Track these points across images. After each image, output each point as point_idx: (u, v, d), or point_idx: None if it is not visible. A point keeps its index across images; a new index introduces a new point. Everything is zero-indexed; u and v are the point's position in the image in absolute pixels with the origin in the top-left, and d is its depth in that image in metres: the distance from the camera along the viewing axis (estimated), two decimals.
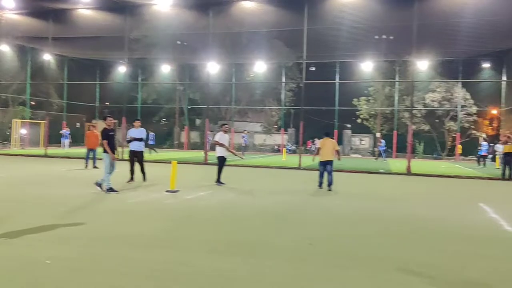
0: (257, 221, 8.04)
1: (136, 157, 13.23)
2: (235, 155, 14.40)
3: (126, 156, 14.32)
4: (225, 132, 13.50)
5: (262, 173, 18.83)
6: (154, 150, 28.08)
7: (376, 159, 31.01)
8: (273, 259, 5.48)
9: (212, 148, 16.88)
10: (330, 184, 12.89)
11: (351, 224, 7.97)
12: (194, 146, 40.52)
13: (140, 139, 13.30)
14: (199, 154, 27.90)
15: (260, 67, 38.62)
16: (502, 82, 36.67)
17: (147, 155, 24.60)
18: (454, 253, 6.08)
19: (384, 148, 32.29)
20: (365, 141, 40.25)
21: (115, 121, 16.79)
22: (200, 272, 4.86)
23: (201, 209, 9.08)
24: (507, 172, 17.72)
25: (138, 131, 13.38)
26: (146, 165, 13.55)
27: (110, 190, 10.87)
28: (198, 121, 44.11)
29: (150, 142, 27.79)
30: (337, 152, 13.25)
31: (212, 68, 32.49)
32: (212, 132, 31.97)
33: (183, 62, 39.40)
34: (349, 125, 41.54)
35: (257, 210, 9.16)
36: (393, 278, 4.84)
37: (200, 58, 33.52)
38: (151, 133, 27.91)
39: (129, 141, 13.27)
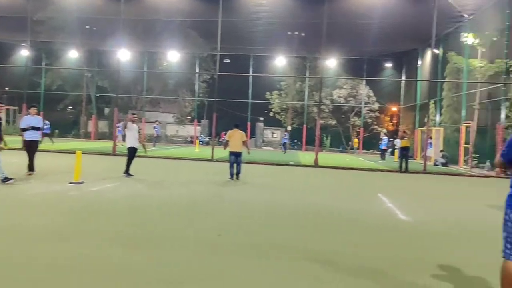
0: (165, 213, 7.93)
1: (31, 147, 12.21)
2: (144, 147, 14.06)
3: (18, 145, 13.26)
4: (133, 121, 13.16)
5: (174, 164, 18.58)
6: (51, 140, 26.34)
7: (285, 152, 31.89)
8: (180, 250, 5.45)
9: (123, 138, 16.29)
10: (237, 173, 13.31)
11: (259, 215, 8.14)
12: (102, 136, 38.86)
13: (37, 128, 12.34)
14: (107, 145, 26.80)
15: (173, 57, 37.95)
16: (402, 81, 39.45)
17: (48, 145, 23.19)
18: (354, 240, 6.45)
19: (287, 141, 33.31)
20: (277, 134, 41.26)
21: (7, 107, 15.52)
22: (104, 266, 4.70)
23: (106, 201, 8.76)
24: (403, 165, 19.13)
25: (34, 119, 12.29)
26: (48, 155, 12.75)
27: (5, 180, 10.09)
28: (106, 110, 42.34)
29: (45, 131, 25.99)
30: (245, 143, 13.54)
31: (123, 55, 31.28)
32: (122, 122, 30.87)
33: (92, 48, 37.57)
34: (261, 118, 42.32)
35: (166, 201, 9.03)
36: (297, 266, 5.02)
37: (110, 44, 32.18)
38: (46, 121, 26.02)
39: (24, 130, 12.15)
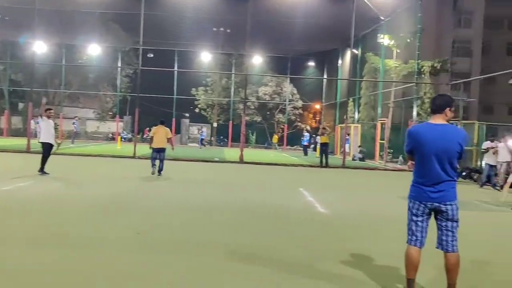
0: (83, 212, 7.63)
1: None
2: (58, 143, 13.38)
3: None
4: (49, 117, 12.50)
5: (93, 162, 17.88)
6: None
7: (200, 148, 31.60)
8: (98, 250, 5.27)
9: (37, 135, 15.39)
10: (160, 170, 13.17)
11: (182, 211, 8.08)
12: (16, 133, 36.43)
13: None
14: (21, 142, 25.19)
15: (94, 50, 36.41)
16: (323, 79, 40.83)
17: None
18: (274, 234, 6.60)
19: (204, 137, 33.30)
20: (203, 131, 41.03)
21: None
22: (18, 268, 4.44)
23: (19, 201, 8.25)
24: (324, 160, 19.83)
25: None
26: None
27: None
28: (21, 105, 39.76)
29: None
30: (170, 140, 13.45)
31: (39, 47, 29.55)
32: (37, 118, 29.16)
33: (4, 39, 35.05)
34: (187, 114, 41.88)
35: (84, 200, 8.68)
36: (219, 261, 5.05)
37: (24, 36, 30.23)
38: None
39: None
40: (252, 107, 39.80)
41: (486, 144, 14.91)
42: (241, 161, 20.37)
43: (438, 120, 4.05)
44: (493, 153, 14.23)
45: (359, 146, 26.98)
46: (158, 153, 13.14)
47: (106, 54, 37.15)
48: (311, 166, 20.52)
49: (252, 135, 39.84)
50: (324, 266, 5.03)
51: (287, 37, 31.04)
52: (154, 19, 25.60)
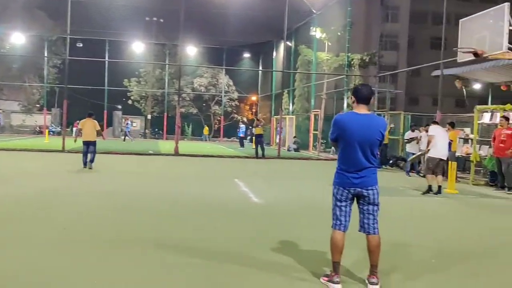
0: (5, 209, 7.23)
1: None
2: None
3: None
4: None
5: (19, 157, 16.95)
6: None
7: (125, 140, 30.83)
8: (23, 248, 5.03)
9: None
10: (91, 161, 13.02)
11: (112, 205, 7.87)
12: None
13: None
14: None
15: (18, 39, 34.33)
16: (259, 71, 41.15)
17: None
18: (208, 225, 6.62)
19: (130, 129, 32.59)
20: (136, 123, 40.05)
21: None
22: None
23: None
24: (259, 151, 20.05)
25: None
26: None
27: None
28: None
29: None
30: (99, 132, 13.31)
31: None
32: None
33: None
34: (119, 106, 40.64)
35: (6, 197, 8.22)
36: (148, 255, 4.98)
37: None
38: None
39: None
40: (188, 99, 39.36)
41: (408, 134, 15.74)
42: (176, 153, 20.13)
43: (362, 110, 4.21)
44: (417, 143, 15.04)
45: (294, 137, 27.55)
46: (88, 146, 13.04)
47: (32, 43, 35.16)
48: (247, 157, 20.69)
49: (188, 127, 39.44)
50: (254, 254, 5.12)
51: (222, 28, 30.93)
52: (83, 7, 24.58)
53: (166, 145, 26.07)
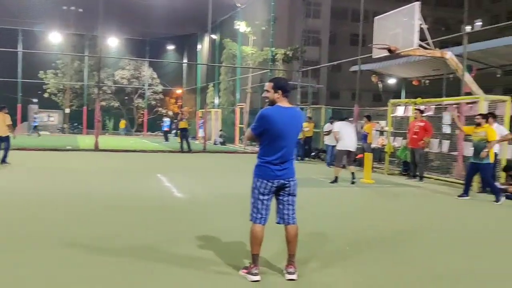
0: None
1: None
2: None
3: None
4: None
5: None
6: None
7: (31, 135, 29.31)
8: None
9: None
10: (4, 158, 12.41)
11: (24, 203, 7.37)
12: None
13: None
14: None
15: None
16: (184, 64, 40.59)
17: None
18: (128, 221, 6.39)
19: (38, 123, 31.03)
20: (54, 117, 37.97)
21: None
22: None
23: None
24: (185, 145, 19.79)
25: None
26: None
27: None
28: None
29: None
30: (9, 126, 12.59)
31: None
32: None
33: None
34: (35, 100, 38.25)
35: None
36: (60, 254, 4.72)
37: None
38: None
39: None
40: (109, 92, 37.92)
41: (327, 127, 16.30)
42: (97, 148, 19.31)
43: (286, 103, 4.25)
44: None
45: (220, 130, 27.52)
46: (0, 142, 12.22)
47: None
48: (171, 151, 20.33)
49: (109, 121, 38.00)
50: (173, 249, 5.03)
51: (145, 20, 30.09)
52: None
53: (86, 140, 24.95)
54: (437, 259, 5.10)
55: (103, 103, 35.93)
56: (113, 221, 6.41)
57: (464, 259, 5.19)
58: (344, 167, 11.91)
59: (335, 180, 11.11)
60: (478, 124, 9.29)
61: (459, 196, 9.48)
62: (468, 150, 11.89)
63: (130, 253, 4.82)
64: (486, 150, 8.96)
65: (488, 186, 9.90)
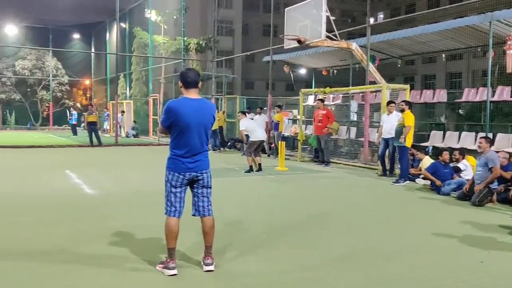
0: None
1: None
2: None
3: None
4: None
5: None
6: None
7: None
8: None
9: None
10: None
11: None
12: None
13: None
14: None
15: None
16: (92, 54, 38.70)
17: None
18: (33, 224, 5.99)
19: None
20: None
21: None
22: None
23: None
24: (94, 140, 18.91)
25: None
26: None
27: None
28: None
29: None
30: None
31: None
32: None
33: None
34: None
35: None
36: None
37: None
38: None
39: None
40: (9, 84, 35.10)
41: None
42: None
43: (193, 94, 4.20)
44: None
45: (134, 121, 26.69)
46: None
47: None
48: (81, 146, 19.35)
49: (11, 116, 35.26)
50: (86, 248, 4.81)
51: (47, 6, 28.15)
52: None
53: None
54: (345, 240, 5.38)
55: (3, 96, 33.32)
56: (15, 223, 5.97)
57: (370, 239, 5.52)
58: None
59: (250, 169, 11.27)
60: (402, 110, 9.97)
61: (394, 182, 9.95)
62: (373, 136, 12.65)
63: (38, 256, 4.54)
64: (403, 135, 9.67)
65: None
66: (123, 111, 26.42)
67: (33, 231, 5.59)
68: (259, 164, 11.38)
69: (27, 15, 31.10)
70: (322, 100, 13.33)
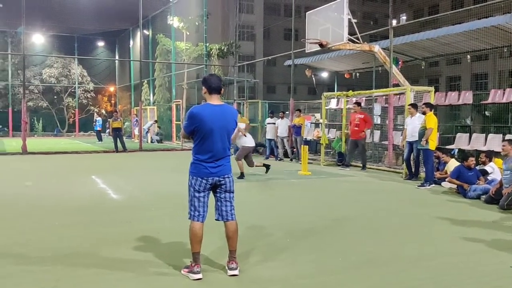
0: None
1: None
2: None
3: None
4: None
5: None
6: None
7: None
8: None
9: None
10: None
11: None
12: None
13: None
14: None
15: None
16: (116, 61, 39.36)
17: None
18: (60, 227, 6.12)
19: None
20: None
21: None
22: None
23: None
24: (119, 145, 19.22)
25: None
26: None
27: None
28: None
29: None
30: None
31: None
32: None
33: None
34: None
35: None
36: None
37: None
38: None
39: None
40: (36, 91, 35.96)
41: (268, 121, 16.48)
42: (25, 151, 18.29)
43: (216, 100, 4.25)
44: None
45: (158, 127, 27.01)
46: None
47: None
48: (106, 151, 19.69)
49: (38, 123, 36.08)
50: (111, 253, 4.88)
51: (72, 15, 28.76)
52: None
53: (13, 143, 23.57)
54: (370, 245, 5.32)
55: (30, 103, 34.11)
56: (44, 226, 6.10)
57: (395, 243, 5.45)
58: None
59: (242, 176, 10.76)
60: (424, 113, 9.87)
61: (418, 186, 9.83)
62: (397, 139, 12.50)
63: (62, 260, 4.63)
64: (424, 138, 9.54)
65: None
66: (156, 120, 26.86)
67: (60, 234, 5.70)
68: (242, 173, 10.79)
69: (53, 25, 31.86)
70: (359, 104, 13.23)
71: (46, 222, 6.42)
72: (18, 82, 34.19)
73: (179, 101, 26.33)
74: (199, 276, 4.11)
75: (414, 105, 10.81)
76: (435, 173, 10.04)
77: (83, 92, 37.90)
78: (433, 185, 9.72)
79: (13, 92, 35.21)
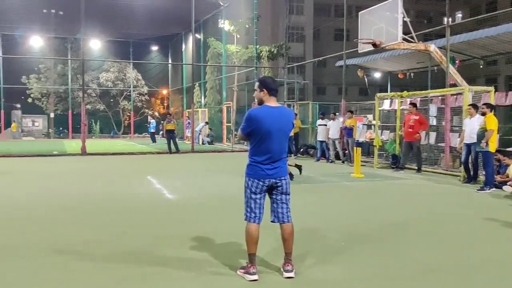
0: None
1: None
2: None
3: None
4: None
5: None
6: None
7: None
8: None
9: None
10: None
11: (7, 210, 7.28)
12: None
13: None
14: None
15: None
16: (168, 65, 40.39)
17: None
18: (119, 226, 6.34)
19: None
20: (39, 122, 37.56)
21: None
22: None
23: None
24: (172, 146, 19.72)
25: None
26: None
27: None
28: None
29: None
30: None
31: None
32: None
33: None
34: (18, 105, 37.78)
35: None
36: (48, 262, 4.68)
37: None
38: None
39: None
40: (94, 95, 37.58)
41: (319, 122, 16.35)
42: (84, 152, 19.13)
43: (273, 102, 4.26)
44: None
45: (210, 129, 27.45)
46: None
47: None
48: (159, 153, 20.25)
49: (96, 125, 37.65)
50: (168, 252, 5.00)
51: (127, 21, 29.84)
52: None
53: (72, 144, 24.73)
54: (429, 251, 5.16)
55: (88, 107, 35.61)
56: (104, 225, 6.35)
57: (452, 248, 5.25)
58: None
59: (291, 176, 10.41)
60: (483, 114, 9.48)
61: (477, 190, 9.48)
62: (454, 141, 12.06)
63: (122, 258, 4.79)
64: (484, 140, 9.17)
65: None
66: (207, 122, 27.35)
67: (119, 232, 5.90)
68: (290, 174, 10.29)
69: (110, 30, 33.16)
70: (414, 105, 12.90)
71: (106, 221, 6.68)
72: (77, 86, 35.85)
73: (229, 103, 26.64)
74: (255, 277, 4.13)
75: (474, 106, 10.38)
76: (495, 176, 9.60)
77: (138, 95, 39.21)
78: (494, 189, 9.30)
79: (73, 95, 36.92)
